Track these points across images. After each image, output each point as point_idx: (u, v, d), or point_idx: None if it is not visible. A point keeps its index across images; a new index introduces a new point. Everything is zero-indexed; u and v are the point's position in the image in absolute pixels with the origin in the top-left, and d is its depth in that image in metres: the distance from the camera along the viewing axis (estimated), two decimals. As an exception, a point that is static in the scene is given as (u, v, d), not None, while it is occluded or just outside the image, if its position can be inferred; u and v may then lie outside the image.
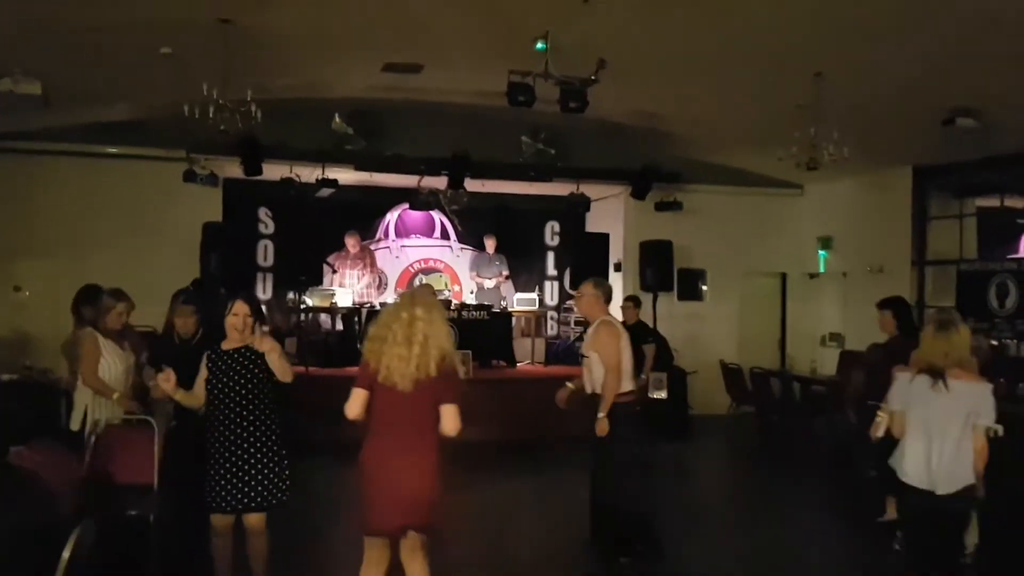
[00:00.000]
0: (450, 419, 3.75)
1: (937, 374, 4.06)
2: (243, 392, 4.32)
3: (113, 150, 9.97)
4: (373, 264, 11.90)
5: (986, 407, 4.06)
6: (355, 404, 3.80)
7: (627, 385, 5.39)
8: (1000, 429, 4.18)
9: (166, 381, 4.35)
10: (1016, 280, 9.32)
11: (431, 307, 3.88)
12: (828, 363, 11.43)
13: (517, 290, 12.20)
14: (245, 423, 4.31)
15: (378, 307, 10.90)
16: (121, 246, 9.64)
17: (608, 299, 5.69)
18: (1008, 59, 6.73)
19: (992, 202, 11.06)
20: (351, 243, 11.66)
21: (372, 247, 12.27)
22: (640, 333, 8.28)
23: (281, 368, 4.33)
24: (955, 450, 4.03)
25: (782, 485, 7.16)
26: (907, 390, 4.19)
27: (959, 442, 4.03)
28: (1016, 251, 12.33)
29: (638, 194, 11.50)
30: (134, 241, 9.74)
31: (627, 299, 9.04)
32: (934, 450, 4.06)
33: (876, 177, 11.01)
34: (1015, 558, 2.71)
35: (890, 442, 4.30)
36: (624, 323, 8.25)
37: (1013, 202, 11.24)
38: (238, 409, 4.30)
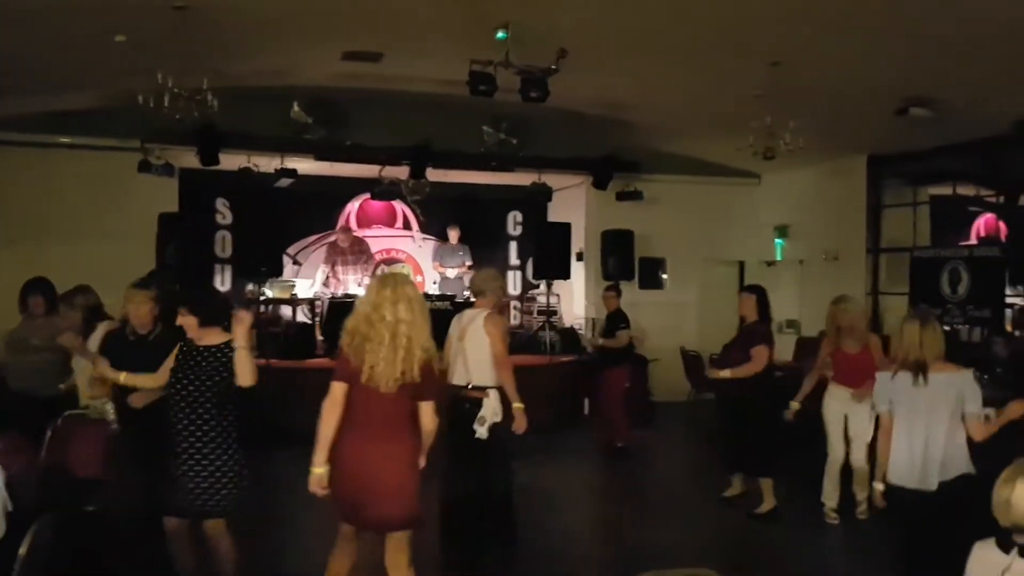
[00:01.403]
0: (428, 416, 3.83)
1: (919, 368, 4.08)
2: (207, 393, 4.10)
3: (66, 140, 9.74)
4: (370, 255, 11.89)
5: (971, 393, 4.06)
6: (337, 398, 3.74)
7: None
8: (992, 413, 4.19)
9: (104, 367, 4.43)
10: (968, 267, 9.54)
11: (414, 306, 3.80)
12: (785, 349, 11.61)
13: (480, 280, 12.19)
14: (206, 426, 4.09)
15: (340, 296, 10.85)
16: (76, 238, 9.44)
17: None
18: (960, 49, 6.87)
19: (945, 190, 11.32)
20: (342, 239, 11.60)
21: (331, 239, 12.22)
22: (618, 320, 8.56)
23: (245, 369, 4.04)
24: (946, 442, 4.00)
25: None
26: (890, 388, 4.20)
27: (950, 434, 4.01)
28: (968, 238, 12.65)
29: (599, 184, 11.56)
30: (89, 233, 9.53)
31: (609, 288, 9.10)
32: (928, 444, 4.01)
33: (832, 166, 11.20)
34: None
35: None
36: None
37: (965, 190, 11.53)
38: (200, 411, 4.09)
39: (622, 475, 8.25)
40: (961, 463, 4.02)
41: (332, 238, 12.17)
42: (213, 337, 4.21)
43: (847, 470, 6.33)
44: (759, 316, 6.59)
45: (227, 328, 4.20)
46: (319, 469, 3.73)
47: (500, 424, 5.18)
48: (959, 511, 3.85)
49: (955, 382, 4.08)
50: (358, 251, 11.84)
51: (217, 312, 4.31)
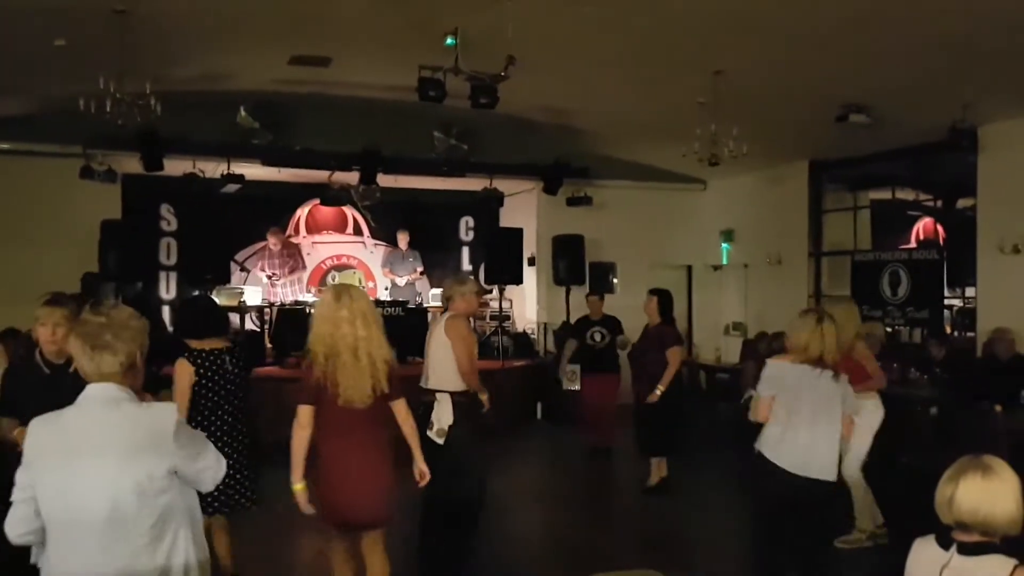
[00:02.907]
0: (403, 413, 4.03)
1: (820, 363, 4.38)
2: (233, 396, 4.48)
3: (5, 146, 9.47)
4: (301, 259, 11.78)
5: (849, 395, 4.49)
6: (305, 422, 3.83)
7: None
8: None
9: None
10: (907, 269, 9.79)
11: (369, 320, 3.88)
12: (732, 351, 11.83)
13: (432, 285, 12.17)
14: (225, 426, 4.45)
15: (288, 303, 10.74)
16: (14, 246, 9.18)
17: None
18: (896, 57, 7.08)
19: (884, 195, 11.62)
20: (273, 241, 11.45)
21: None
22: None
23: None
24: (830, 436, 4.39)
25: (685, 467, 7.45)
26: (783, 376, 4.47)
27: (832, 428, 4.41)
28: (908, 242, 13.01)
29: (550, 189, 11.62)
30: (29, 241, 9.26)
31: (592, 293, 9.18)
32: (816, 435, 4.36)
33: (775, 172, 11.44)
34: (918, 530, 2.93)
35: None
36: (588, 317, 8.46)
37: (904, 194, 11.84)
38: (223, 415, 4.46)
39: (578, 478, 8.30)
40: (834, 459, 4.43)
41: (295, 240, 12.15)
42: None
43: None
44: (662, 318, 7.12)
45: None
46: (298, 486, 3.84)
47: (456, 428, 5.10)
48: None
49: (843, 382, 4.48)
50: (287, 254, 11.72)
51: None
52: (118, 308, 2.64)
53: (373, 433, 3.89)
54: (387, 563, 4.06)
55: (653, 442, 7.25)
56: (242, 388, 4.52)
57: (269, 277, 11.43)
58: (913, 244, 12.92)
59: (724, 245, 12.80)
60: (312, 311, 4.11)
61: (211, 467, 2.59)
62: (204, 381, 4.36)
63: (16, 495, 2.47)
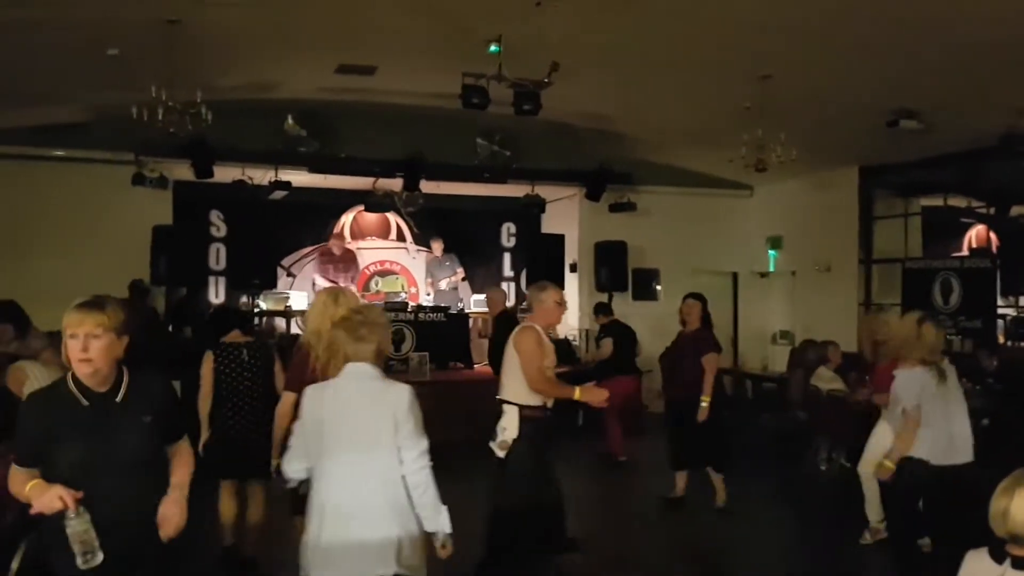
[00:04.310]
0: None
1: (938, 366, 4.66)
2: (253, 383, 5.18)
3: (60, 153, 9.74)
4: (358, 268, 12.12)
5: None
6: (288, 407, 4.11)
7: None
8: None
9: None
10: (959, 278, 9.58)
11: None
12: (778, 360, 11.64)
13: (474, 291, 12.21)
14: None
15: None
16: (68, 251, 9.42)
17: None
18: (947, 62, 6.95)
19: (936, 201, 11.38)
20: (336, 245, 11.69)
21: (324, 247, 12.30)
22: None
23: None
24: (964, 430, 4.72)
25: (732, 480, 7.31)
26: (918, 384, 4.66)
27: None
28: (960, 249, 12.71)
29: (592, 195, 11.60)
30: (82, 245, 9.51)
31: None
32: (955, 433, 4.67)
33: (823, 177, 11.25)
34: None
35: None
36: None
37: (956, 201, 11.57)
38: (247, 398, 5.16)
39: (617, 485, 8.24)
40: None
41: (326, 246, 12.29)
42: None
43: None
44: (702, 323, 6.87)
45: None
46: (278, 461, 4.21)
47: (520, 443, 4.95)
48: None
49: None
50: (348, 260, 11.90)
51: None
52: (370, 308, 3.72)
53: None
54: None
55: (700, 455, 6.85)
56: (260, 376, 5.20)
57: (332, 282, 11.60)
58: (965, 252, 12.62)
59: (771, 252, 12.63)
60: (307, 310, 4.60)
61: (417, 435, 3.25)
62: (222, 367, 5.19)
63: (293, 443, 3.36)
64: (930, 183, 10.79)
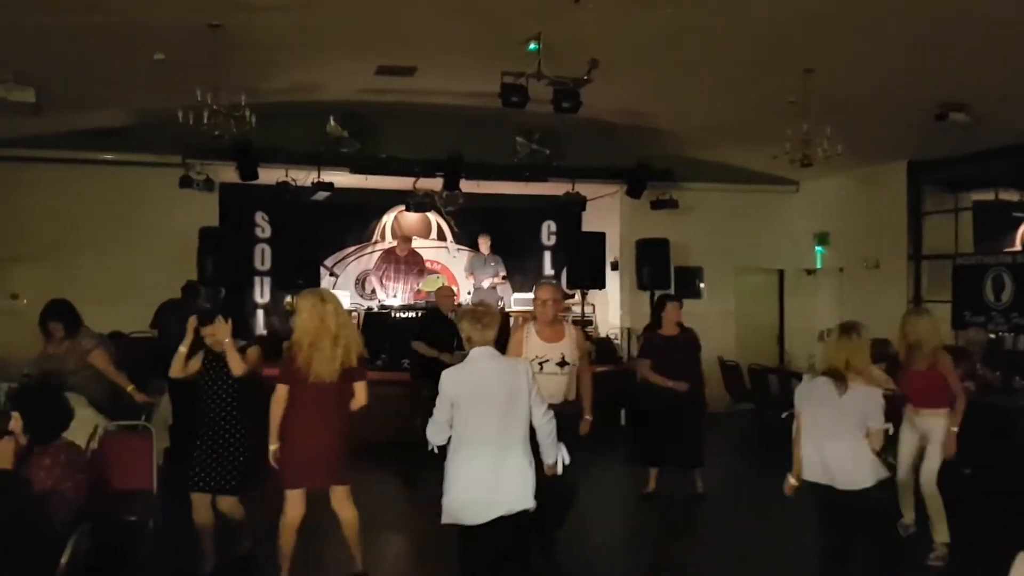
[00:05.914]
0: (362, 392, 4.76)
1: (839, 377, 4.38)
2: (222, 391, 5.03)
3: (108, 156, 9.98)
4: (423, 268, 12.23)
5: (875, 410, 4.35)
6: (281, 398, 4.65)
7: None
8: (891, 428, 4.54)
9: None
10: (1012, 273, 9.33)
11: (340, 313, 4.75)
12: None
13: (514, 290, 12.21)
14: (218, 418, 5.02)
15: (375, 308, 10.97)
16: (116, 252, 9.66)
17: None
18: (996, 54, 6.76)
19: (987, 196, 11.08)
20: (401, 247, 11.89)
21: (368, 251, 12.37)
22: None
23: (233, 361, 4.87)
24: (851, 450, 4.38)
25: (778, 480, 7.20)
26: (808, 390, 4.59)
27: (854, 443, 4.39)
28: (1012, 244, 12.36)
29: (633, 192, 11.52)
30: (130, 247, 9.75)
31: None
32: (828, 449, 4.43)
33: (870, 172, 11.03)
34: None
35: None
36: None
37: (1008, 195, 11.27)
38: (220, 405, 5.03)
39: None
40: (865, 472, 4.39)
41: (381, 246, 12.47)
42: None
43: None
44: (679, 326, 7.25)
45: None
46: (274, 446, 4.68)
47: None
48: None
49: (865, 398, 4.39)
50: (412, 262, 12.00)
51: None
52: (487, 303, 4.71)
53: (339, 410, 4.70)
54: (355, 512, 4.80)
55: (689, 454, 7.24)
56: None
57: (382, 275, 11.82)
58: (1018, 247, 12.27)
59: (818, 248, 12.40)
60: (296, 310, 4.84)
61: (541, 396, 4.15)
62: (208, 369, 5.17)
63: (437, 416, 4.05)
64: (981, 177, 10.52)
